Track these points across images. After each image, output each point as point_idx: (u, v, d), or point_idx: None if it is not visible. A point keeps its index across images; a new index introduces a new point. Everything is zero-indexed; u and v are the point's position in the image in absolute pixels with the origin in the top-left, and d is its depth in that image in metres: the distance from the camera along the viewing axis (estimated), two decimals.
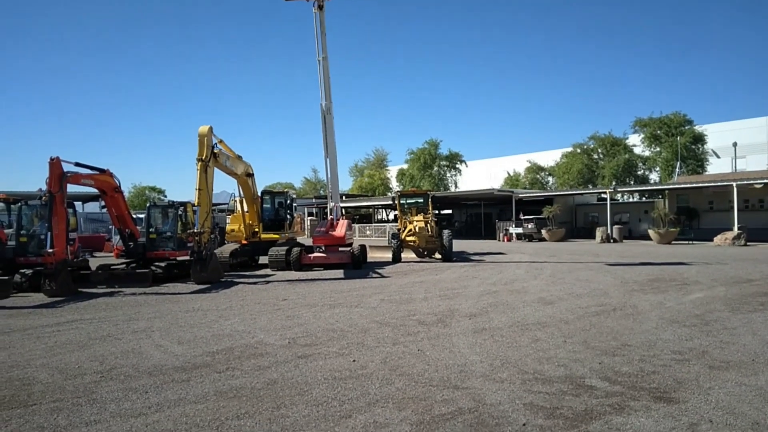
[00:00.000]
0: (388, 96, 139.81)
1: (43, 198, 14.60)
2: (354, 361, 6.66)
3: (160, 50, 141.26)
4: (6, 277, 13.94)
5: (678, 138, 49.40)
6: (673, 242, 32.51)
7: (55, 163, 13.63)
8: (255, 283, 15.60)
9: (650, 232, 34.34)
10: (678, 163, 48.66)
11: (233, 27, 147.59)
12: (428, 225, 22.21)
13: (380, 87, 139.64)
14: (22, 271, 14.60)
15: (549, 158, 61.50)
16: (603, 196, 39.40)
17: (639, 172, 53.64)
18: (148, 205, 19.70)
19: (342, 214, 21.98)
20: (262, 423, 4.68)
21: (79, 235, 22.68)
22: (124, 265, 16.90)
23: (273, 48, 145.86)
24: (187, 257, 16.76)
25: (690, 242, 32.78)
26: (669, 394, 5.31)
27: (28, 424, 4.72)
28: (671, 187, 38.90)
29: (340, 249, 19.61)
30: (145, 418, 4.82)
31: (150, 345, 7.74)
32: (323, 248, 19.56)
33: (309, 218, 51.66)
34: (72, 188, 14.99)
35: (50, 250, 13.32)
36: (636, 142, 54.25)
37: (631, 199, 49.85)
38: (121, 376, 6.18)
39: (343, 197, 52.28)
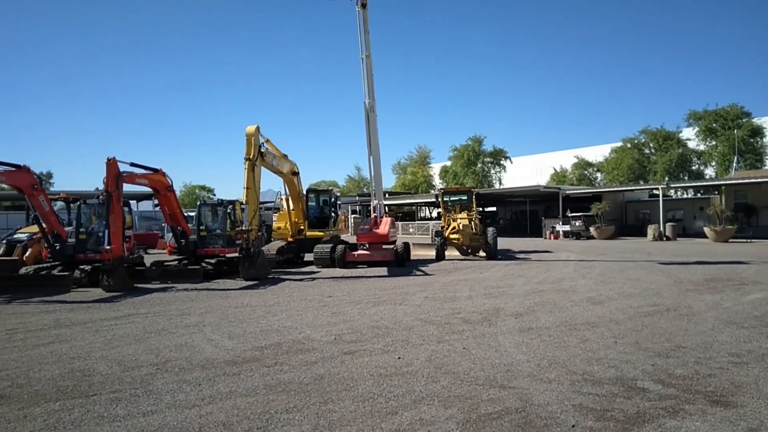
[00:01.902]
0: (431, 92, 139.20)
1: (101, 197, 15.27)
2: (399, 358, 6.70)
3: (208, 53, 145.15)
4: (66, 273, 14.69)
5: (735, 131, 47.20)
6: (730, 240, 31.15)
7: (112, 164, 14.22)
8: (301, 279, 15.86)
9: (706, 229, 33.01)
10: (735, 157, 46.52)
11: (279, 28, 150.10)
12: (472, 222, 22.03)
13: (423, 83, 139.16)
14: (82, 267, 15.24)
15: (597, 153, 59.83)
16: (655, 192, 38.13)
17: (693, 167, 51.52)
18: (198, 203, 20.34)
19: (385, 212, 22.06)
20: (310, 417, 4.77)
21: (134, 232, 23.58)
22: (177, 262, 17.51)
23: (317, 47, 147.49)
24: (236, 254, 17.18)
25: (748, 240, 31.31)
26: (726, 397, 5.11)
27: (89, 414, 4.96)
28: (728, 182, 37.17)
29: (384, 246, 19.70)
30: (198, 410, 5.00)
31: (202, 339, 8.00)
32: (367, 246, 19.70)
33: (352, 216, 52.10)
34: (127, 187, 15.60)
35: (108, 247, 13.93)
36: (690, 135, 52.14)
37: (685, 196, 48.03)
38: (175, 368, 6.41)
39: (386, 195, 52.48)
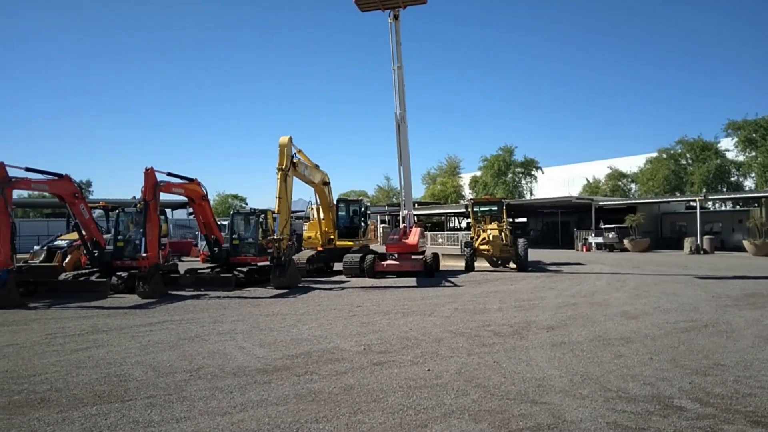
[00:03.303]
0: (462, 101, 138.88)
1: (138, 205, 15.69)
2: (429, 370, 6.67)
3: (241, 65, 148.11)
4: (104, 279, 15.11)
5: None
6: None
7: (150, 173, 14.61)
8: (330, 289, 15.95)
9: (745, 243, 31.96)
10: None
11: (311, 38, 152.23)
12: (503, 233, 21.81)
13: (454, 92, 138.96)
14: (119, 273, 15.61)
15: (632, 164, 58.58)
16: (692, 204, 37.08)
17: (732, 179, 49.97)
18: (231, 212, 20.68)
19: (414, 222, 22.05)
20: (340, 428, 4.78)
21: (169, 240, 24.10)
22: (210, 270, 17.83)
23: (348, 58, 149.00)
24: (267, 263, 17.39)
25: None
26: (767, 418, 4.94)
27: (124, 418, 5.08)
28: None
29: (413, 257, 19.67)
30: (230, 417, 5.07)
31: (234, 347, 8.11)
32: (396, 256, 19.69)
33: (381, 225, 52.17)
34: (163, 196, 15.97)
35: (144, 255, 14.28)
36: (729, 146, 50.61)
37: (723, 208, 46.60)
38: (208, 375, 6.52)
39: (416, 205, 52.39)
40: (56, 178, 14.94)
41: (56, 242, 20.23)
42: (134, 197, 21.85)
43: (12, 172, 13.21)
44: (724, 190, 47.76)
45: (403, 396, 5.66)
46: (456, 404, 5.39)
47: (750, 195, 40.28)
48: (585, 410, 5.16)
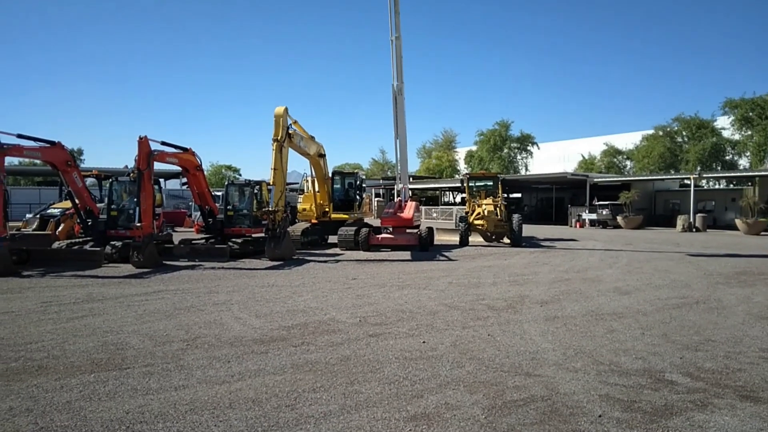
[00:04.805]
0: (458, 75, 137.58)
1: (132, 175, 15.55)
2: (424, 342, 6.74)
3: (235, 30, 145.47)
4: (98, 249, 15.07)
5: None
6: (762, 233, 30.33)
7: (143, 142, 14.44)
8: (325, 261, 15.99)
9: (737, 221, 32.22)
10: None
11: (304, 10, 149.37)
12: (497, 209, 21.85)
13: (450, 66, 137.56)
14: (113, 243, 15.51)
15: (628, 141, 58.46)
16: (686, 182, 37.29)
17: (727, 158, 50.04)
18: (226, 183, 20.58)
19: (410, 196, 22.04)
20: (337, 397, 4.84)
21: (163, 210, 24.00)
22: (204, 240, 17.81)
23: (345, 26, 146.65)
24: (262, 234, 17.38)
25: None
26: (756, 393, 5.03)
27: (123, 386, 5.11)
28: (762, 173, 36.01)
29: (408, 231, 19.70)
30: (228, 386, 5.12)
31: (230, 317, 8.15)
32: (391, 229, 19.72)
33: (376, 199, 52.14)
34: (156, 165, 15.81)
35: (138, 224, 14.22)
36: (725, 124, 50.54)
37: (717, 186, 46.78)
38: (205, 345, 6.56)
39: (410, 179, 52.29)
40: (49, 145, 14.75)
41: (49, 210, 20.12)
42: (126, 166, 21.62)
43: (4, 139, 13.04)
44: (719, 168, 47.86)
45: (399, 367, 5.72)
46: (451, 376, 5.45)
47: (744, 174, 40.42)
48: (578, 383, 5.25)
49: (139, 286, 11.13)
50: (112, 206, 16.74)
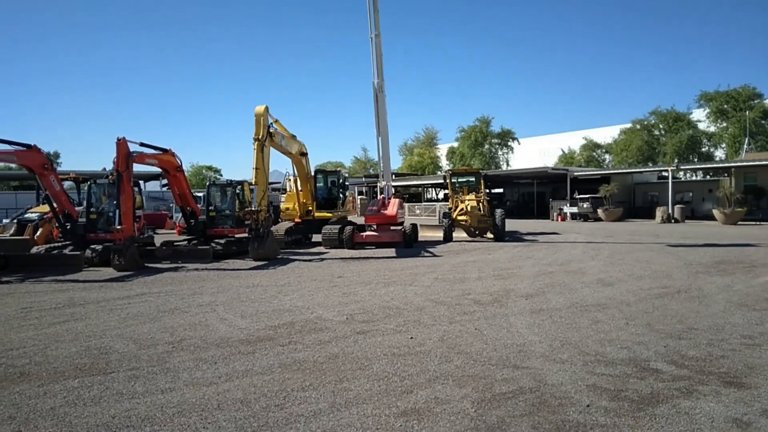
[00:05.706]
0: (438, 72, 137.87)
1: (111, 177, 15.31)
2: (412, 338, 6.74)
3: (214, 30, 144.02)
4: (78, 252, 14.81)
5: (746, 113, 46.60)
6: (739, 223, 30.97)
7: (122, 143, 14.22)
8: (310, 260, 15.92)
9: (715, 212, 32.82)
10: (746, 139, 45.97)
11: (286, 6, 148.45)
12: (480, 204, 21.97)
13: (430, 62, 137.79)
14: (93, 246, 15.24)
15: (606, 135, 59.29)
16: (664, 174, 37.87)
17: (703, 149, 51.01)
18: (207, 183, 20.37)
19: (393, 193, 22.05)
20: (326, 395, 4.82)
21: (143, 213, 23.67)
22: (186, 242, 17.62)
23: (325, 26, 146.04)
24: (245, 234, 17.24)
25: (757, 223, 31.13)
26: (740, 379, 5.13)
27: (108, 390, 5.02)
28: (738, 164, 36.76)
29: (392, 228, 19.71)
30: (216, 387, 5.06)
31: (215, 318, 8.07)
32: (375, 227, 19.71)
33: (359, 197, 52.03)
34: (135, 167, 15.58)
35: (119, 227, 14.00)
36: (701, 117, 51.52)
37: (694, 178, 47.62)
38: (190, 347, 6.48)
39: (393, 176, 52.31)
40: (24, 148, 14.44)
41: (26, 215, 19.69)
42: (104, 168, 21.31)
43: None
44: (696, 160, 48.75)
45: (387, 363, 5.71)
46: (440, 370, 5.47)
47: (720, 165, 41.20)
48: (565, 374, 5.29)
49: (121, 290, 10.96)
50: (91, 209, 16.45)
